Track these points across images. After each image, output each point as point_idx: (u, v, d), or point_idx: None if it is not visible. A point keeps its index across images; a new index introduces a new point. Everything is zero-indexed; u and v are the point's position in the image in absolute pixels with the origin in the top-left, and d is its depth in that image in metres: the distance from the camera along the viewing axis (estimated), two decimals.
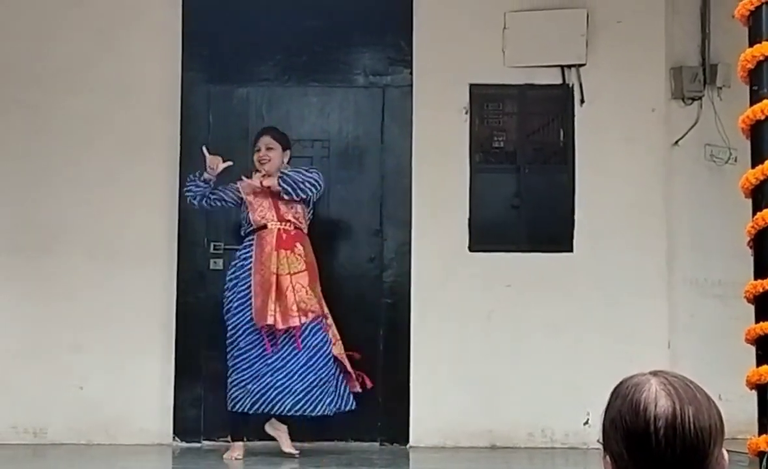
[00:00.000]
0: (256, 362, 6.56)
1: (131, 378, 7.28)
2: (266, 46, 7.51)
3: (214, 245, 7.32)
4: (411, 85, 7.49)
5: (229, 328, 6.66)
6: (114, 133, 7.42)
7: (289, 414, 6.61)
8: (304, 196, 6.69)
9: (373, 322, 7.41)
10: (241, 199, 6.76)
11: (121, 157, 7.40)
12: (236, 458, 6.58)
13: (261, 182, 6.68)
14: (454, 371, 7.30)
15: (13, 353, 7.29)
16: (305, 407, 6.58)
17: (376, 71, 7.55)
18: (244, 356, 6.59)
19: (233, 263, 6.79)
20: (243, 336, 6.60)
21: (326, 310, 6.76)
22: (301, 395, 6.55)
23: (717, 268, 7.47)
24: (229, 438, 6.86)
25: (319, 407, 6.62)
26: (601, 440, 1.85)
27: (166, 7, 7.47)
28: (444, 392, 7.29)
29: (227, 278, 6.78)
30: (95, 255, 7.36)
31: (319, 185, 6.72)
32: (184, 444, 7.23)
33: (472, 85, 7.51)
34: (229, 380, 6.64)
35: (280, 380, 6.54)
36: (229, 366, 6.64)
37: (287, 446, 6.68)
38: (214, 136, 7.38)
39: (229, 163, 6.76)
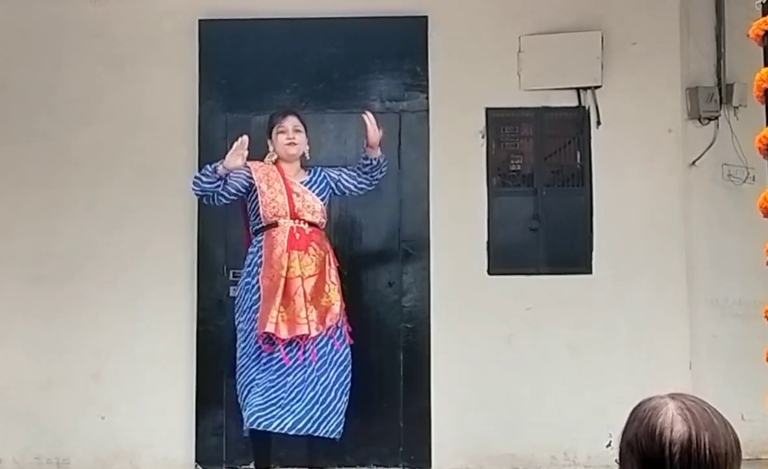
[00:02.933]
0: (262, 378, 6.03)
1: (153, 407, 7.30)
2: (283, 74, 7.54)
3: (234, 273, 7.32)
4: (427, 110, 7.51)
5: (241, 342, 6.24)
6: (132, 162, 7.46)
7: (291, 434, 6.01)
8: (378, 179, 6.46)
9: (393, 347, 7.41)
10: (249, 186, 6.26)
11: (140, 187, 7.44)
12: None
13: (376, 129, 6.14)
14: (475, 395, 7.30)
15: (35, 383, 7.33)
16: (308, 427, 6.01)
17: (392, 97, 7.57)
18: (250, 371, 6.09)
19: (245, 267, 6.34)
20: (247, 348, 6.13)
21: (343, 307, 6.26)
22: (320, 415, 6.04)
23: (737, 287, 7.45)
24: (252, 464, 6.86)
25: (322, 429, 6.05)
26: (618, 461, 1.85)
27: (183, 37, 7.52)
28: (466, 416, 7.28)
29: (239, 286, 6.41)
30: (115, 284, 7.39)
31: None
32: None
33: (488, 109, 7.52)
34: (242, 399, 6.15)
35: (289, 397, 5.97)
36: (240, 385, 6.19)
37: None
38: None
39: (244, 139, 6.10)
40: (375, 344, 7.31)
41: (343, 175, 6.53)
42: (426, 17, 7.52)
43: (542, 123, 7.58)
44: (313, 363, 6.06)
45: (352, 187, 6.54)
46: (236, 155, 6.05)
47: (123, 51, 7.56)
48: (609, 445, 7.04)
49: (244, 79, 7.55)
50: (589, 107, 7.52)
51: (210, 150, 7.45)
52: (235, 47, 7.55)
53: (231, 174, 6.15)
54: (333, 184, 6.49)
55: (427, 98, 7.52)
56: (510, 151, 7.65)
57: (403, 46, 7.57)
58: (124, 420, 7.30)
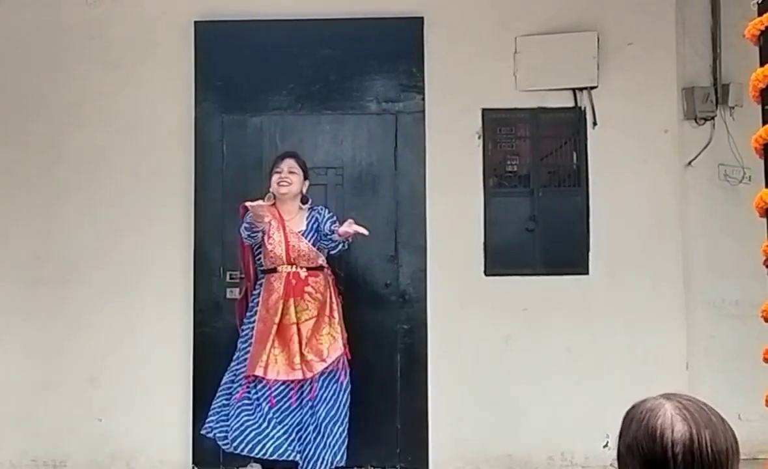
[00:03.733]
0: (253, 416, 6.28)
1: (150, 409, 7.30)
2: (279, 76, 7.54)
3: (230, 275, 7.33)
4: (423, 111, 7.51)
5: (238, 362, 6.55)
6: (129, 164, 7.46)
7: (272, 458, 6.26)
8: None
9: (391, 348, 7.40)
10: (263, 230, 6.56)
11: (137, 189, 7.44)
12: None
13: (353, 231, 6.35)
14: (472, 396, 7.29)
15: (32, 386, 7.32)
16: (292, 453, 6.24)
17: (388, 98, 7.57)
18: (234, 391, 6.39)
19: (251, 303, 6.66)
20: (239, 371, 6.45)
21: (344, 356, 6.52)
22: (313, 451, 6.27)
23: (734, 288, 7.46)
24: (250, 466, 6.85)
25: (319, 464, 6.27)
26: (615, 466, 1.85)
27: (178, 38, 7.52)
28: (463, 417, 7.28)
29: (247, 320, 6.67)
30: (112, 287, 7.38)
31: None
32: None
33: (484, 110, 7.52)
34: (214, 407, 6.47)
35: (270, 429, 6.24)
36: (220, 393, 6.50)
37: None
38: (228, 166, 7.43)
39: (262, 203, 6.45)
40: (372, 345, 7.31)
41: (322, 229, 6.63)
42: (422, 18, 7.52)
43: (538, 124, 7.58)
44: (308, 403, 6.33)
45: (327, 242, 6.63)
46: (262, 213, 6.35)
47: (119, 53, 7.56)
48: (606, 445, 7.04)
49: (239, 81, 7.55)
50: (585, 108, 7.53)
51: (206, 152, 7.46)
52: (231, 48, 7.54)
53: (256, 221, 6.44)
54: (322, 236, 6.63)
55: (424, 99, 7.52)
56: (506, 152, 7.65)
57: (399, 48, 7.57)
58: (121, 422, 7.29)
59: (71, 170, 7.47)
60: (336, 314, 6.58)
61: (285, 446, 6.23)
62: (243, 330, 6.65)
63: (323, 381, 6.40)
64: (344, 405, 6.43)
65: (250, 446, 6.23)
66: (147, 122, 7.50)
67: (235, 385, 6.50)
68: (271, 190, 6.67)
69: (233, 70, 7.55)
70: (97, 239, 7.43)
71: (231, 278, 7.33)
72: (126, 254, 7.41)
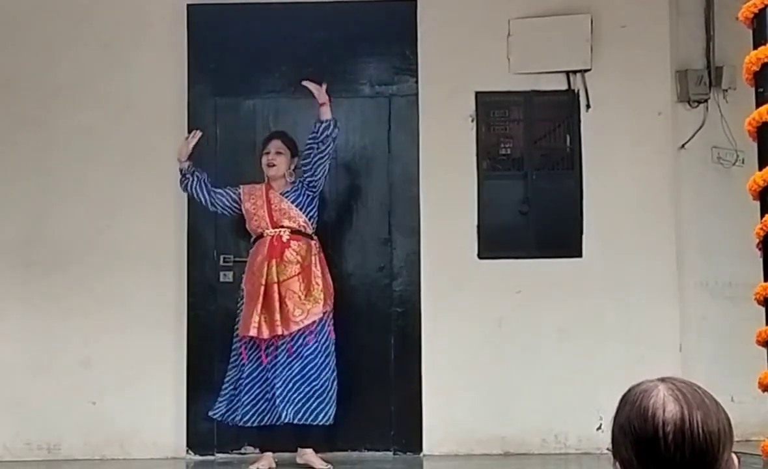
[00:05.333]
0: (244, 372, 6.57)
1: (144, 392, 7.30)
2: (272, 58, 7.52)
3: (224, 258, 7.33)
4: (417, 94, 7.51)
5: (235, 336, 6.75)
6: (122, 147, 7.45)
7: (282, 422, 6.50)
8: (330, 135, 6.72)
9: (384, 331, 7.41)
10: (238, 201, 6.81)
11: (129, 171, 7.43)
12: None
13: (320, 89, 6.68)
14: (466, 379, 7.31)
15: (26, 370, 7.32)
16: (303, 416, 6.51)
17: (381, 81, 7.56)
18: (232, 366, 6.66)
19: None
20: (236, 348, 6.67)
21: (330, 306, 6.71)
22: (296, 405, 6.48)
23: (727, 270, 7.47)
24: (244, 449, 6.89)
25: (320, 416, 6.55)
26: (610, 448, 1.86)
27: (171, 21, 7.50)
28: (456, 400, 7.29)
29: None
30: (105, 270, 7.37)
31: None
32: (198, 457, 7.24)
33: (477, 93, 7.52)
34: (221, 389, 6.73)
35: (271, 390, 6.50)
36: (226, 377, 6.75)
37: (318, 464, 6.64)
38: (222, 149, 7.42)
39: (198, 134, 6.84)
40: (365, 328, 7.32)
41: (303, 170, 6.81)
42: (415, 1, 7.51)
43: (532, 106, 7.58)
44: (287, 357, 6.53)
45: (310, 171, 6.76)
46: (184, 146, 6.80)
47: (112, 35, 7.54)
48: (600, 428, 7.06)
49: (233, 64, 7.53)
50: (578, 90, 7.52)
51: None
52: (224, 31, 7.53)
53: (217, 191, 6.82)
54: (305, 186, 6.79)
55: (417, 82, 7.51)
56: (500, 134, 7.65)
57: (392, 30, 7.56)
58: (114, 406, 7.29)
59: (63, 153, 7.46)
60: (319, 282, 6.66)
61: (265, 407, 6.55)
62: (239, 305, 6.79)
63: (294, 341, 6.54)
64: (323, 363, 6.59)
65: (260, 415, 6.55)
66: (140, 105, 7.48)
67: (233, 356, 6.69)
68: (262, 167, 6.88)
69: (226, 53, 7.53)
70: (89, 222, 7.42)
71: (224, 262, 7.33)
72: (119, 237, 7.40)
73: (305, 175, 6.79)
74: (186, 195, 7.14)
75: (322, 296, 6.64)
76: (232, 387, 6.65)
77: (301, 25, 7.52)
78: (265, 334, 6.47)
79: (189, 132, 7.26)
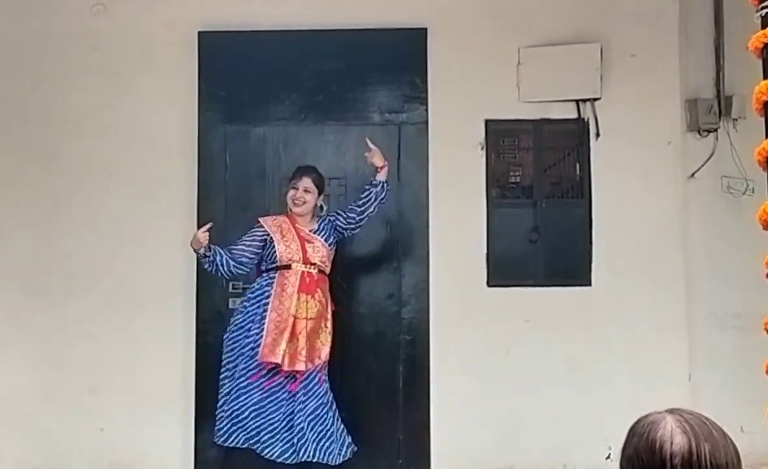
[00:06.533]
0: (254, 398, 6.49)
1: (152, 419, 7.29)
2: (282, 86, 7.54)
3: (233, 285, 7.32)
4: (427, 122, 7.52)
5: (227, 354, 6.61)
6: (131, 174, 7.46)
7: (280, 460, 6.47)
8: (360, 223, 6.78)
9: (392, 358, 7.40)
10: (265, 241, 6.67)
11: (139, 199, 7.44)
12: None
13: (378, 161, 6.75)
14: (474, 407, 7.29)
15: (33, 395, 7.32)
16: (298, 457, 6.47)
17: (391, 109, 7.58)
18: (243, 389, 6.52)
19: (251, 293, 6.69)
20: (245, 370, 6.53)
21: (325, 358, 6.65)
22: (295, 443, 6.46)
23: (736, 300, 7.45)
24: None
25: (323, 454, 6.53)
26: None
27: (181, 49, 7.52)
28: (465, 428, 7.27)
29: (240, 304, 6.74)
30: (114, 297, 7.38)
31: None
32: None
33: (487, 121, 7.53)
34: (224, 410, 6.56)
35: (275, 422, 6.48)
36: (223, 395, 6.58)
37: None
38: (231, 176, 7.43)
39: (209, 225, 6.57)
40: (374, 355, 7.32)
41: (340, 218, 6.82)
42: (425, 29, 7.53)
43: (541, 135, 7.59)
44: (301, 395, 6.52)
45: (348, 226, 6.81)
46: (202, 239, 6.52)
47: (122, 63, 7.57)
48: (608, 457, 7.03)
49: (243, 91, 7.55)
50: (588, 119, 7.53)
51: (209, 162, 7.46)
52: (235, 59, 7.55)
53: (239, 241, 6.67)
54: (336, 227, 6.81)
55: (427, 110, 7.52)
56: (509, 163, 7.66)
57: (402, 58, 7.57)
58: (122, 432, 7.28)
59: (72, 180, 7.48)
60: (329, 324, 6.67)
61: (280, 445, 6.48)
62: (236, 319, 6.67)
63: (310, 379, 6.54)
64: (331, 402, 6.62)
65: (262, 445, 6.46)
66: (149, 132, 7.50)
67: (240, 378, 6.54)
68: (287, 198, 6.80)
69: (236, 81, 7.55)
70: (98, 249, 7.43)
71: (234, 288, 7.33)
72: (128, 265, 7.41)
73: (348, 225, 6.78)
74: (195, 222, 7.15)
75: (329, 339, 6.65)
76: (239, 410, 6.52)
77: (312, 52, 7.54)
78: (286, 366, 6.44)
79: (199, 160, 7.29)
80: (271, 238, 6.65)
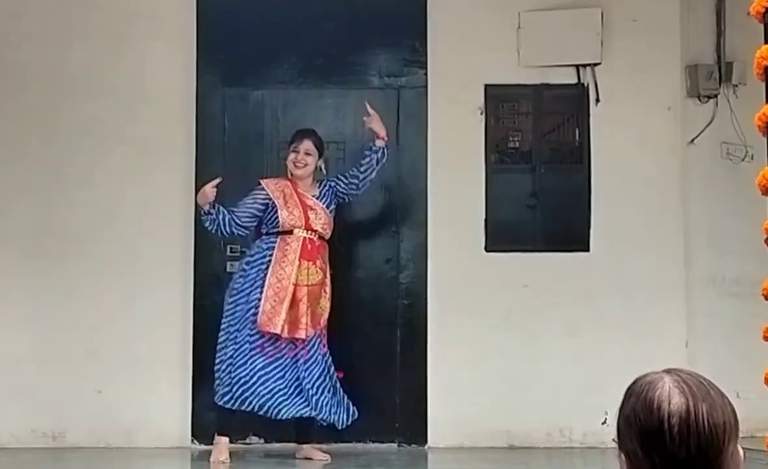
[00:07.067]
0: (259, 364, 6.48)
1: (149, 382, 7.31)
2: (281, 49, 7.52)
3: (231, 248, 7.32)
4: (426, 86, 7.50)
5: (228, 318, 6.58)
6: (130, 137, 7.44)
7: (298, 416, 6.55)
8: (367, 184, 6.81)
9: (390, 323, 7.41)
10: (266, 204, 6.63)
11: (137, 162, 7.43)
12: (222, 462, 6.51)
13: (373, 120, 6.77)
14: (471, 372, 7.30)
15: (32, 358, 7.33)
16: (315, 413, 6.54)
17: (391, 73, 7.56)
18: (249, 354, 6.49)
19: (251, 257, 6.66)
20: (246, 334, 6.51)
21: (324, 324, 6.68)
22: (310, 402, 6.51)
23: (734, 266, 7.45)
24: (249, 439, 6.90)
25: (333, 416, 6.59)
26: (616, 439, 1.85)
27: (181, 12, 7.49)
28: (462, 393, 7.29)
29: (239, 268, 6.71)
30: (112, 259, 7.38)
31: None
32: (203, 447, 7.23)
33: (487, 86, 7.51)
34: (230, 375, 6.50)
35: (283, 387, 6.50)
36: (226, 359, 6.54)
37: (318, 456, 6.67)
38: (230, 140, 7.42)
39: (218, 180, 6.58)
40: (372, 320, 7.33)
41: (341, 183, 6.82)
42: None
43: (541, 100, 7.57)
44: (303, 361, 6.55)
45: (349, 191, 6.83)
46: (210, 194, 6.52)
47: (121, 26, 7.53)
48: (605, 422, 7.05)
49: (242, 54, 7.52)
50: (588, 84, 7.51)
51: (208, 125, 7.45)
52: (234, 22, 7.52)
53: (241, 203, 6.63)
54: (336, 192, 6.82)
55: (426, 74, 7.50)
56: (508, 128, 7.65)
57: (402, 22, 7.55)
58: (120, 395, 7.30)
59: (72, 142, 7.46)
60: (328, 289, 6.69)
61: (295, 404, 6.53)
62: (236, 284, 6.65)
63: (312, 345, 6.58)
64: (331, 370, 6.66)
65: (277, 409, 6.49)
66: (149, 95, 7.48)
67: (244, 344, 6.53)
68: (286, 163, 6.78)
69: (235, 44, 7.53)
70: (97, 212, 7.42)
71: (231, 252, 7.33)
72: (126, 227, 7.41)
73: (349, 190, 6.79)
74: (193, 184, 7.15)
75: (328, 305, 6.67)
76: (248, 376, 6.51)
77: (311, 15, 7.52)
78: (286, 334, 6.45)
79: (198, 123, 7.29)
80: (273, 202, 6.63)
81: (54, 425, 7.31)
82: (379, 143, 6.76)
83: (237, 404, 6.49)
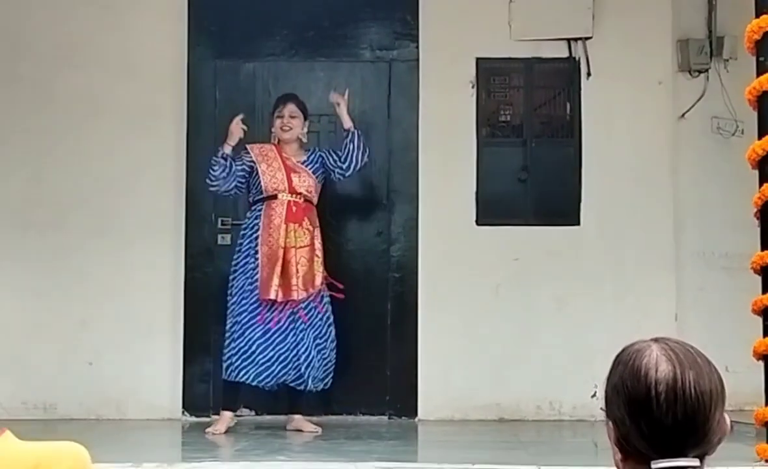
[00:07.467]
0: (257, 333, 6.53)
1: (140, 354, 7.31)
2: (273, 22, 7.50)
3: (222, 220, 7.33)
4: (417, 60, 7.49)
5: (230, 296, 6.65)
6: (120, 108, 7.43)
7: (293, 385, 6.61)
8: (356, 169, 6.78)
9: (381, 296, 7.43)
10: (252, 167, 6.68)
11: (128, 133, 7.41)
12: (215, 433, 6.49)
13: (340, 101, 6.74)
14: (461, 345, 7.32)
15: (23, 329, 7.33)
16: (309, 382, 6.58)
17: (382, 46, 7.55)
18: (247, 325, 6.55)
19: (243, 229, 6.73)
20: (245, 305, 6.57)
21: (325, 284, 6.73)
22: (304, 370, 6.55)
23: (724, 240, 7.48)
24: (240, 411, 6.91)
25: (322, 383, 6.65)
26: (604, 408, 1.87)
27: None
28: (452, 366, 7.31)
29: (236, 243, 6.77)
30: (103, 231, 7.37)
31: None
32: (194, 419, 7.26)
33: (478, 59, 7.50)
34: (229, 348, 6.58)
35: (284, 353, 6.54)
36: (228, 334, 6.61)
37: (308, 427, 6.66)
38: (221, 112, 7.41)
39: (241, 115, 6.71)
40: (363, 293, 7.33)
41: (330, 157, 6.81)
42: None
43: (532, 74, 7.57)
44: (303, 323, 6.60)
45: (335, 168, 6.80)
46: (236, 131, 6.63)
47: None
48: (594, 395, 7.07)
49: (233, 26, 7.51)
50: (579, 58, 7.51)
51: (199, 97, 7.44)
52: None
53: (235, 161, 6.65)
54: (325, 164, 6.80)
55: (417, 47, 7.50)
56: (500, 101, 7.65)
57: None
58: (111, 367, 7.30)
59: (62, 113, 7.43)
60: (320, 252, 6.71)
61: (282, 369, 6.59)
62: (234, 258, 6.70)
63: (308, 309, 6.63)
64: (329, 333, 6.70)
65: (274, 377, 6.56)
66: (140, 66, 7.46)
67: (242, 314, 6.58)
68: (273, 131, 6.81)
69: (227, 15, 7.51)
70: (87, 183, 7.41)
71: (222, 224, 7.34)
72: (117, 199, 7.40)
73: (335, 168, 6.76)
74: (185, 156, 7.15)
75: (321, 269, 6.68)
76: (246, 346, 6.56)
77: None
78: (280, 297, 6.52)
79: (188, 94, 7.28)
80: (257, 168, 6.67)
81: (45, 397, 7.32)
82: (346, 126, 6.76)
83: (236, 374, 6.52)
